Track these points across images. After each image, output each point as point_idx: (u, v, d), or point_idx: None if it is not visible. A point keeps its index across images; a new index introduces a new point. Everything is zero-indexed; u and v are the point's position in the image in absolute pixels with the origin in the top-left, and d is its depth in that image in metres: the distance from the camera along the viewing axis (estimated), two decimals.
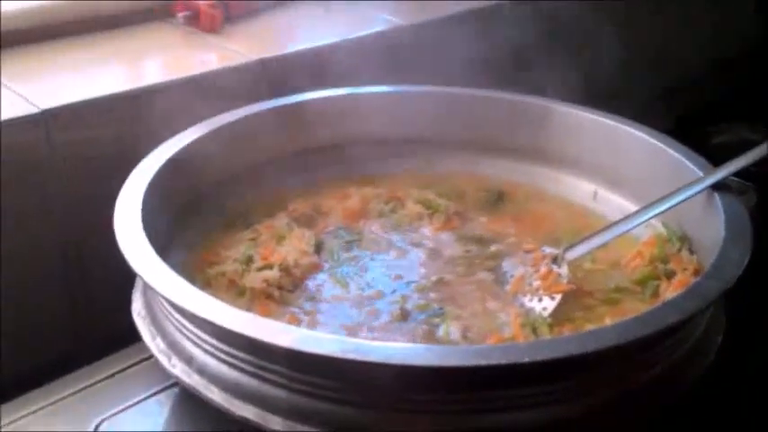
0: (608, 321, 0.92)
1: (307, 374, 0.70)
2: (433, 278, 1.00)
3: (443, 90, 1.27)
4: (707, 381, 0.83)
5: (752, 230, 0.87)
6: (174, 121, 1.10)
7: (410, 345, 0.76)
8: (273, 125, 1.18)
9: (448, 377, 0.67)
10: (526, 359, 0.65)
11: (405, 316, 0.93)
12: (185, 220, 1.06)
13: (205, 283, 0.98)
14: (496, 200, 1.21)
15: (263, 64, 1.27)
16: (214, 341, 0.77)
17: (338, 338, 0.73)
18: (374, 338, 0.88)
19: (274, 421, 0.73)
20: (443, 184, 1.24)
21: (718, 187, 0.97)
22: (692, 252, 1.01)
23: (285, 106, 1.20)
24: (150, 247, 0.82)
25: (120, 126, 1.12)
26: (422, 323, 0.92)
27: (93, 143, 1.10)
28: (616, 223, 0.99)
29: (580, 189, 1.22)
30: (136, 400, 0.93)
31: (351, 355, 0.66)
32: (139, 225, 0.86)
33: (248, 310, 0.93)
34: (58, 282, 1.11)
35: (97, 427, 0.91)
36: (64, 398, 0.94)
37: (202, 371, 0.78)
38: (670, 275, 0.98)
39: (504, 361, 0.65)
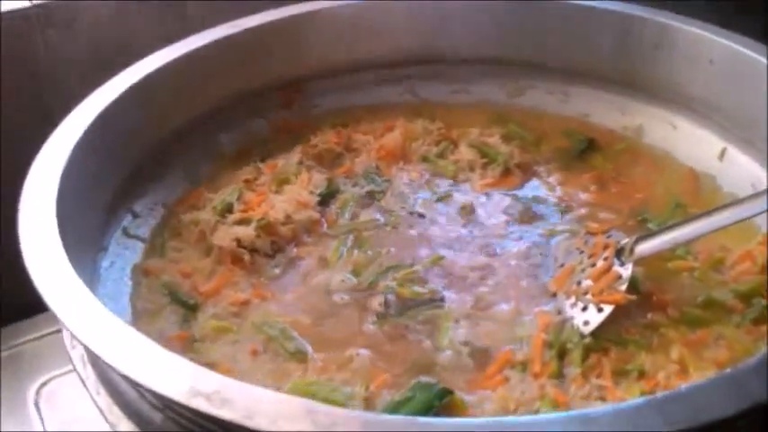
0: (675, 355, 0.65)
1: None
2: (448, 258, 0.76)
3: None
4: None
5: None
6: None
7: (284, 400, 0.48)
8: (320, 29, 0.96)
9: None
10: None
11: (390, 309, 0.70)
12: (182, 145, 0.89)
13: (175, 232, 0.81)
14: (583, 150, 0.92)
15: None
16: None
17: (197, 373, 0.50)
18: (342, 351, 0.67)
19: None
20: (521, 121, 0.97)
21: None
22: None
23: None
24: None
25: None
26: (413, 324, 0.69)
27: None
28: (714, 211, 0.69)
29: (704, 143, 0.90)
30: None
31: (196, 403, 0.46)
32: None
33: (210, 274, 0.75)
34: None
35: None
36: None
37: (95, 363, 0.62)
38: None
39: None
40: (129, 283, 0.74)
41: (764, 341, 0.65)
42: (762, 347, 0.64)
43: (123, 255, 0.77)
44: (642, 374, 0.63)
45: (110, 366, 0.50)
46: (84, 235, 0.71)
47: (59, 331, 0.69)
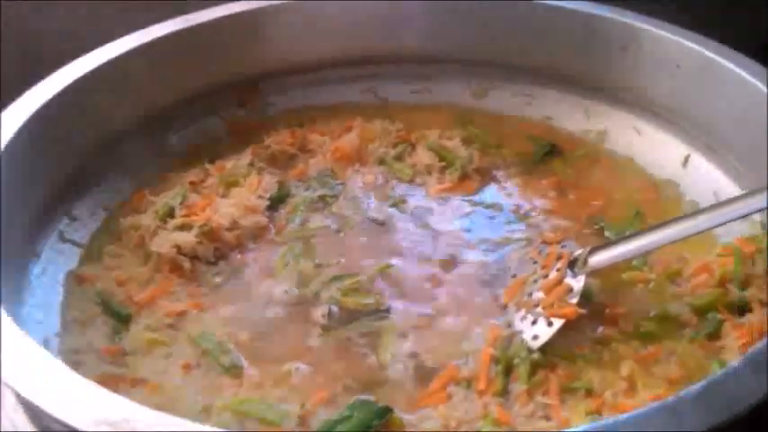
0: (625, 371, 0.62)
1: None
2: (398, 266, 0.73)
3: None
4: None
5: None
6: None
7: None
8: (278, 25, 0.93)
9: None
10: None
11: (333, 321, 0.67)
12: (128, 145, 0.85)
13: (114, 237, 0.77)
14: (544, 155, 0.90)
15: None
16: None
17: (104, 398, 0.47)
18: (280, 366, 0.64)
19: None
20: (484, 123, 0.94)
21: None
22: None
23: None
24: None
25: None
26: (356, 336, 0.67)
27: None
28: (671, 223, 0.66)
29: (668, 149, 0.88)
30: None
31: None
32: None
33: (147, 282, 0.72)
34: None
35: None
36: None
37: None
38: (745, 309, 0.65)
39: None
40: (62, 291, 0.71)
41: (717, 358, 0.63)
42: (714, 365, 0.61)
43: (57, 261, 0.73)
44: (589, 392, 0.61)
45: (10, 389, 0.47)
46: (14, 240, 0.68)
47: None
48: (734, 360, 0.59)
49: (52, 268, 0.72)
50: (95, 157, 0.82)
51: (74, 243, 0.76)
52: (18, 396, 0.46)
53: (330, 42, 0.97)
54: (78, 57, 0.81)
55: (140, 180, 0.85)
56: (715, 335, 0.65)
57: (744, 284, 0.67)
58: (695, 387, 0.45)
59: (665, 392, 0.59)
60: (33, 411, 0.50)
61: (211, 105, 0.94)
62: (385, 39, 0.98)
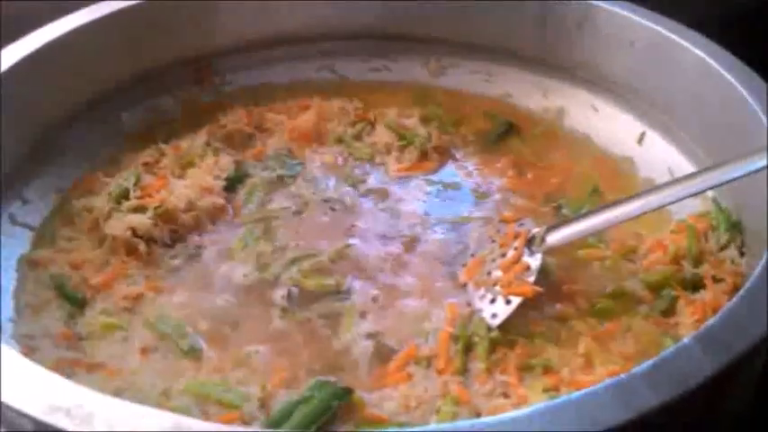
0: (581, 348, 0.63)
1: None
2: (358, 247, 0.73)
3: None
4: None
5: None
6: None
7: (152, 415, 0.44)
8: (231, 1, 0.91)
9: None
10: None
11: (293, 303, 0.67)
12: (80, 125, 0.83)
13: (67, 219, 0.76)
14: (502, 133, 0.90)
15: None
16: None
17: (58, 385, 0.46)
18: (240, 348, 0.64)
19: None
20: (443, 101, 0.94)
21: None
22: (743, 251, 0.69)
23: None
24: None
25: None
26: (316, 317, 0.66)
27: None
28: (626, 201, 0.67)
29: (624, 127, 0.89)
30: None
31: (54, 419, 0.42)
32: None
33: (102, 265, 0.71)
34: None
35: None
36: None
37: None
38: (698, 285, 0.67)
39: None
40: (15, 275, 0.69)
41: (671, 334, 0.64)
42: (667, 341, 0.63)
43: (8, 245, 0.72)
44: (547, 369, 0.61)
45: None
46: None
47: None
48: (687, 336, 0.61)
49: (4, 252, 0.70)
50: (47, 139, 0.80)
51: (26, 226, 0.74)
52: None
53: (287, 18, 0.96)
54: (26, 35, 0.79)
55: (93, 161, 0.83)
56: (669, 311, 0.66)
57: (697, 261, 0.68)
58: (647, 364, 0.45)
59: (621, 369, 0.60)
60: None
61: (165, 84, 0.92)
62: (342, 16, 0.97)
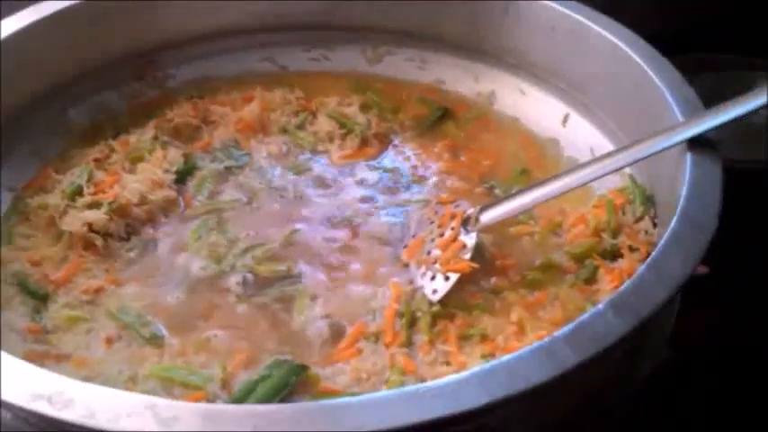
0: (514, 317, 0.69)
1: None
2: (305, 232, 0.78)
3: None
4: None
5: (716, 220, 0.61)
6: None
7: (125, 397, 0.49)
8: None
9: None
10: None
11: (249, 288, 0.72)
12: (27, 122, 0.85)
13: (23, 217, 0.78)
14: (438, 119, 0.95)
15: None
16: None
17: (37, 375, 0.50)
18: (200, 333, 0.68)
19: None
20: (380, 89, 0.99)
21: (694, 143, 0.69)
22: (655, 222, 0.76)
23: None
24: None
25: None
26: (270, 301, 0.71)
27: None
28: (553, 179, 0.73)
29: (549, 109, 0.95)
30: None
31: (38, 406, 0.46)
32: None
33: (61, 261, 0.74)
34: None
35: None
36: None
37: None
38: (616, 255, 0.74)
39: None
40: None
41: (593, 299, 0.71)
42: (588, 306, 0.69)
43: None
44: (484, 338, 0.67)
45: None
46: None
47: None
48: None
49: None
50: None
51: None
52: None
53: (226, 11, 0.99)
54: None
55: (43, 158, 0.85)
56: (591, 279, 0.73)
57: (615, 233, 0.75)
58: (566, 328, 0.52)
59: (549, 334, 0.66)
60: None
61: (109, 80, 0.94)
62: (281, 7, 1.00)
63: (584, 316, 0.53)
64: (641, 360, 0.61)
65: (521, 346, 0.65)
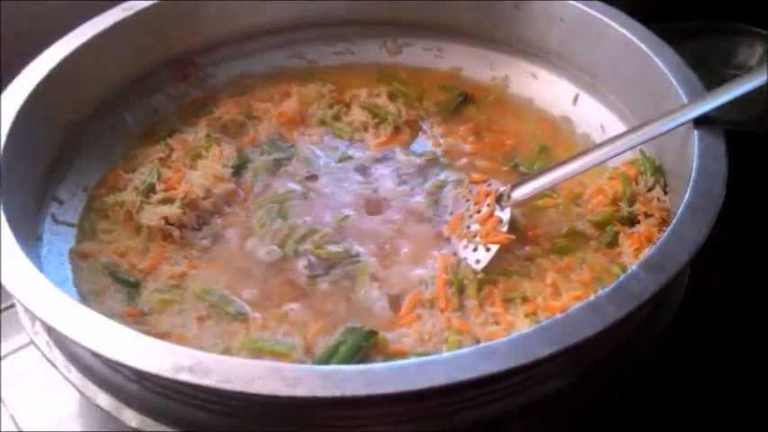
0: (549, 280, 0.80)
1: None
2: (355, 216, 0.88)
3: None
4: None
5: (722, 195, 0.71)
6: None
7: (252, 364, 0.59)
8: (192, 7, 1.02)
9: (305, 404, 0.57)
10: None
11: (315, 270, 0.81)
12: (91, 128, 0.94)
13: (102, 214, 0.87)
14: (459, 104, 1.04)
15: None
16: None
17: (175, 351, 0.59)
18: (277, 308, 0.78)
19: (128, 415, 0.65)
20: (404, 78, 1.08)
21: (699, 121, 0.79)
22: (666, 190, 0.86)
23: None
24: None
25: None
26: (336, 280, 0.81)
27: None
28: (574, 158, 0.83)
29: (560, 90, 1.04)
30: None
31: (183, 376, 0.56)
32: None
33: (144, 251, 0.83)
34: None
35: None
36: None
37: (60, 345, 0.70)
38: (634, 221, 0.84)
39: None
40: (70, 267, 0.81)
41: (617, 262, 0.81)
42: (615, 267, 0.80)
43: (56, 241, 0.82)
44: (525, 299, 0.77)
45: (93, 352, 0.59)
46: (23, 226, 0.76)
47: None
48: (629, 262, 0.79)
49: (55, 248, 0.81)
50: (68, 143, 0.91)
51: (66, 224, 0.85)
52: (105, 358, 0.58)
53: (257, 14, 1.07)
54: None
55: (109, 160, 0.94)
56: (613, 243, 0.82)
57: (630, 201, 0.84)
58: (608, 288, 0.62)
59: (581, 293, 0.77)
60: (115, 366, 0.62)
61: (157, 84, 1.02)
62: (305, 6, 1.09)
63: (621, 277, 0.63)
64: (663, 314, 0.72)
65: (559, 306, 0.76)
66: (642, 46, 0.91)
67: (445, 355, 0.58)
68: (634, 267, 0.64)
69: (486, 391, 0.61)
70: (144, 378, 0.62)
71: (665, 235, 0.67)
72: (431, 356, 0.58)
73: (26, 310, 0.68)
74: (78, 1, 0.94)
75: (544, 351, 0.57)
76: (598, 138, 0.97)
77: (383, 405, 0.58)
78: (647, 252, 0.78)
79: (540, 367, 0.58)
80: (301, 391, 0.55)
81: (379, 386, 0.54)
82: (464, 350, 0.58)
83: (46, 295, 0.64)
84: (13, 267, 0.66)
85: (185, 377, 0.55)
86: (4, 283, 0.64)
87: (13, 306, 0.90)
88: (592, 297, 0.62)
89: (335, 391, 0.55)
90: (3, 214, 0.69)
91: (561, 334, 0.58)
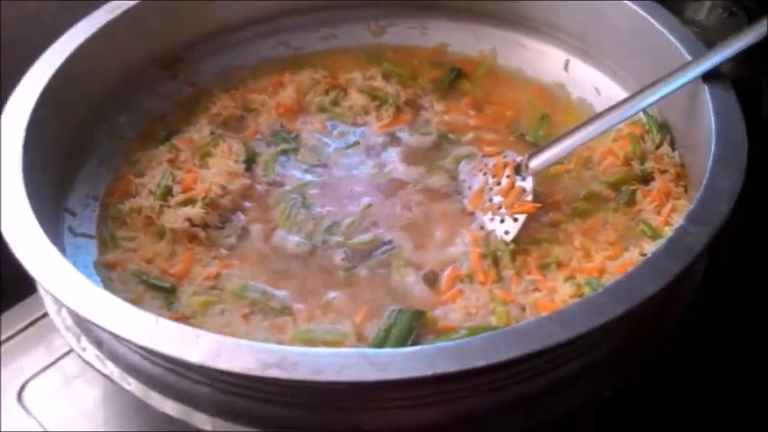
0: (577, 243, 0.82)
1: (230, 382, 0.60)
2: (377, 202, 0.88)
3: None
4: None
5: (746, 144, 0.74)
6: None
7: (337, 353, 0.60)
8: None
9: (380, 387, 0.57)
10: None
11: (352, 261, 0.81)
12: (88, 135, 0.91)
13: (119, 222, 0.85)
14: (453, 79, 1.05)
15: None
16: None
17: (257, 348, 0.59)
18: (320, 298, 0.78)
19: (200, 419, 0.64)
20: (392, 58, 1.08)
21: (708, 76, 0.82)
22: (673, 147, 0.89)
23: None
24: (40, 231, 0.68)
25: None
26: (372, 267, 0.81)
27: None
28: (585, 124, 0.84)
29: (550, 58, 1.05)
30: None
31: (272, 373, 0.55)
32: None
33: (171, 255, 0.81)
34: None
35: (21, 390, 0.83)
36: None
37: (115, 358, 0.68)
38: (648, 179, 0.87)
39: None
40: (99, 278, 0.79)
41: (638, 219, 0.83)
42: (637, 225, 0.82)
43: (79, 255, 0.80)
44: (559, 264, 0.79)
45: (170, 360, 0.58)
46: (54, 243, 0.74)
47: None
48: (652, 219, 0.81)
49: (80, 261, 0.79)
50: (68, 152, 0.88)
51: (84, 236, 0.82)
52: (186, 364, 0.57)
53: (240, 5, 1.05)
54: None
55: (111, 166, 0.91)
56: (631, 202, 0.85)
57: (642, 160, 0.87)
58: (660, 244, 0.65)
59: (612, 252, 0.79)
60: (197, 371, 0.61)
61: (146, 83, 0.99)
62: None
63: (670, 234, 0.66)
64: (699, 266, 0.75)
65: (593, 267, 0.78)
66: (635, 7, 0.93)
67: (521, 323, 0.59)
68: (681, 222, 0.67)
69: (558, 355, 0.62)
70: (219, 380, 0.61)
71: (701, 189, 0.70)
72: (495, 331, 0.60)
73: (89, 324, 0.66)
74: (79, 1, 0.90)
75: (617, 310, 0.59)
76: (595, 101, 0.99)
77: (473, 378, 0.59)
78: (668, 208, 0.81)
79: (607, 329, 0.60)
80: (392, 374, 0.55)
81: (471, 360, 0.55)
82: (533, 318, 0.59)
83: (111, 309, 0.62)
84: (74, 288, 0.64)
85: (275, 373, 0.55)
86: (71, 306, 0.62)
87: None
88: (649, 255, 0.64)
89: (427, 371, 0.55)
90: (43, 233, 0.67)
91: (629, 291, 0.61)
